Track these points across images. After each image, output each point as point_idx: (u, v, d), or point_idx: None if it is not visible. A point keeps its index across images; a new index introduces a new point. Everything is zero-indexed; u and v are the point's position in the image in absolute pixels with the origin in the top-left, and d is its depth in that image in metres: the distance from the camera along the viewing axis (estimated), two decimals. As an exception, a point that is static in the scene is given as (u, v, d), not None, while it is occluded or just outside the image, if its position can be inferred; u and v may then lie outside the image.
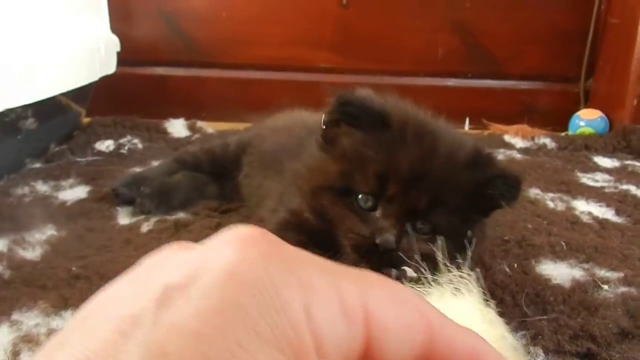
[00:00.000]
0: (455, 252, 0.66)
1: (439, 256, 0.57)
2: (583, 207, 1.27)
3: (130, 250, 0.98)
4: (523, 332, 0.74)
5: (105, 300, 0.25)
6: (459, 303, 0.52)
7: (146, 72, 2.13)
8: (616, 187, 1.43)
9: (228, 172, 1.23)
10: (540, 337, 0.73)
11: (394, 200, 0.72)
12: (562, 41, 2.12)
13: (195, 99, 2.14)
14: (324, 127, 0.79)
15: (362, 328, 0.24)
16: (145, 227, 1.08)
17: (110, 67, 1.79)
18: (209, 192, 1.23)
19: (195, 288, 0.23)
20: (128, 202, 1.17)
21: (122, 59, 1.90)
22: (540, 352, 0.70)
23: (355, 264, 0.72)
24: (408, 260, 0.67)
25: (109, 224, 1.09)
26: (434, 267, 0.59)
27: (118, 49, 1.87)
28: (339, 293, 0.24)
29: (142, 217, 1.12)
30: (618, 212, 1.25)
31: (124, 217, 1.13)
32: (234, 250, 0.24)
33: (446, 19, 2.10)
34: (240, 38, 2.11)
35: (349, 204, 0.75)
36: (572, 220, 1.19)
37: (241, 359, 0.20)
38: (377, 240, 0.70)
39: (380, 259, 0.71)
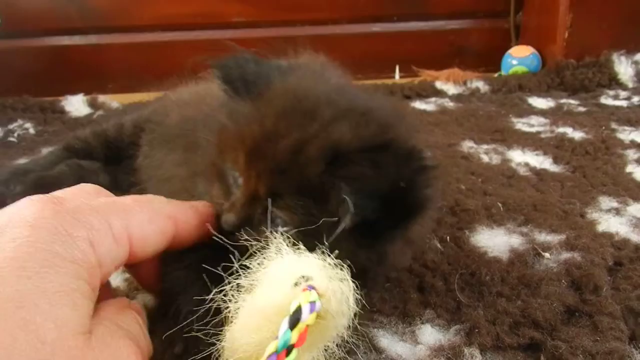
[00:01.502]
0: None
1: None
2: (519, 157, 1.18)
3: None
4: (457, 327, 0.63)
5: None
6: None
7: (36, 43, 1.89)
8: (552, 131, 1.34)
9: (124, 156, 1.06)
10: (476, 330, 0.62)
11: (243, 180, 0.59)
12: (488, -26, 2.01)
13: (97, 70, 1.92)
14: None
15: (126, 244, 0.49)
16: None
17: (-13, 42, 1.56)
18: (100, 182, 1.06)
19: (7, 232, 0.41)
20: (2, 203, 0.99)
21: (6, 31, 1.66)
22: (477, 352, 0.59)
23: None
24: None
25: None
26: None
27: (-3, 20, 1.63)
28: (110, 227, 0.47)
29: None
30: (556, 160, 1.16)
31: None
32: (32, 210, 0.44)
33: (365, -43, 1.94)
34: (140, -4, 1.89)
35: (226, 177, 0.63)
36: (508, 174, 1.10)
37: (49, 267, 0.40)
38: (222, 219, 0.59)
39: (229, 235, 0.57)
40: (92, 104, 1.69)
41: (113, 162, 1.09)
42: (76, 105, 1.67)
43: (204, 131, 0.80)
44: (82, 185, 0.55)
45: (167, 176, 0.90)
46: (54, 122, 1.57)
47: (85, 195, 0.52)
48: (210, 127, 0.68)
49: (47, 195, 0.48)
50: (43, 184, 0.99)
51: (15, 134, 1.48)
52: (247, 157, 0.58)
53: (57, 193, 0.51)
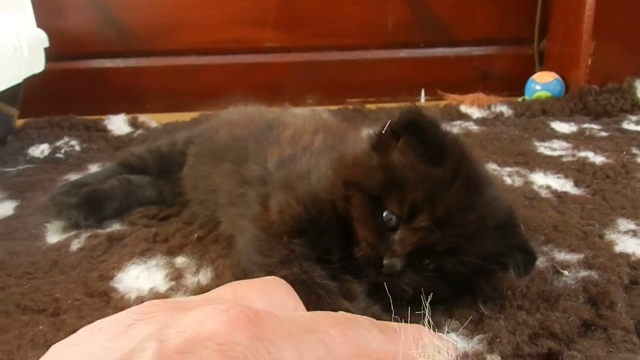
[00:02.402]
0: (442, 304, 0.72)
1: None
2: (541, 180, 1.23)
3: (56, 274, 0.89)
4: (480, 336, 0.69)
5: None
6: None
7: (80, 66, 2.00)
8: (574, 155, 1.38)
9: (175, 169, 1.16)
10: (498, 339, 0.68)
11: (416, 233, 0.70)
12: (512, 2, 2.06)
13: (136, 91, 2.02)
14: (384, 132, 0.77)
15: None
16: (75, 245, 0.99)
17: (37, 64, 1.67)
18: (146, 196, 1.15)
19: (196, 354, 0.30)
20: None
21: (54, 54, 1.77)
22: (498, 358, 0.65)
23: (353, 271, 0.72)
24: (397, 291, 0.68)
25: (34, 245, 1.00)
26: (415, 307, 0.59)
27: (46, 44, 1.74)
28: None
29: (73, 233, 1.03)
30: (577, 183, 1.20)
31: (53, 235, 1.04)
32: (225, 328, 0.32)
33: (393, -14, 2.02)
34: (178, 22, 2.00)
35: (374, 214, 0.73)
36: (530, 196, 1.15)
37: None
38: (385, 261, 0.70)
39: (376, 279, 0.71)
40: (133, 123, 1.78)
41: (166, 177, 1.18)
42: (118, 124, 1.76)
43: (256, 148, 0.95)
44: (274, 282, 0.46)
45: (214, 187, 0.99)
46: (97, 139, 1.67)
47: (282, 307, 0.42)
48: (361, 169, 0.76)
49: (244, 307, 0.35)
50: (95, 196, 1.08)
51: (62, 151, 1.57)
52: (437, 219, 0.69)
53: (258, 303, 0.40)
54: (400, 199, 0.71)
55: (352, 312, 0.58)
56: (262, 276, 0.65)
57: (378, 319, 0.56)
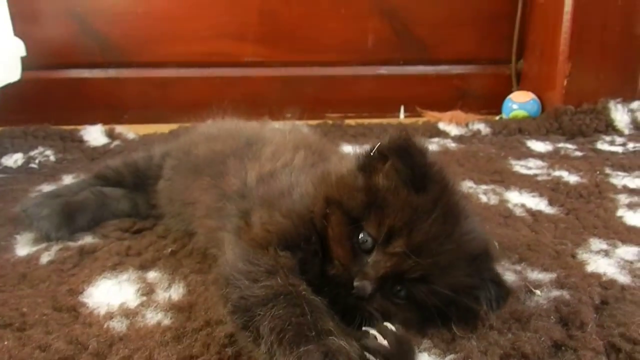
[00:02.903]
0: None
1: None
2: (516, 198, 1.24)
3: (24, 288, 0.87)
4: (452, 356, 0.69)
5: None
6: None
7: (58, 75, 1.98)
8: (549, 174, 1.40)
9: (151, 182, 1.14)
10: (469, 359, 0.68)
11: (390, 257, 0.70)
12: (491, 23, 2.10)
13: (114, 102, 2.00)
14: (372, 154, 0.77)
15: None
16: (45, 258, 0.97)
17: (13, 73, 1.64)
18: (120, 209, 1.13)
19: None
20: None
21: (31, 63, 1.74)
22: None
23: (322, 288, 0.69)
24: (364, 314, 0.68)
25: (3, 258, 0.97)
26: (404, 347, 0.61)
27: (23, 53, 1.71)
28: None
29: (44, 245, 1.01)
30: (551, 202, 1.22)
31: (23, 247, 1.02)
32: None
33: (374, 5, 2.04)
34: (159, 34, 1.99)
35: (351, 234, 0.72)
36: (505, 214, 1.16)
37: None
38: (355, 282, 0.69)
39: (345, 299, 0.70)
40: (110, 135, 1.76)
41: (141, 190, 1.17)
42: (94, 134, 1.74)
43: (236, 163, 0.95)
44: None
45: (192, 200, 0.98)
46: (73, 150, 1.65)
47: None
48: (343, 188, 0.75)
49: None
50: (67, 208, 1.07)
51: (37, 161, 1.55)
52: (412, 246, 0.69)
53: None
54: (378, 222, 0.71)
55: (334, 332, 0.58)
56: (247, 285, 0.66)
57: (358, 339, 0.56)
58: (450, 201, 0.73)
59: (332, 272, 0.71)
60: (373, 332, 0.62)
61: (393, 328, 0.63)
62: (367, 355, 0.59)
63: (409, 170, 0.73)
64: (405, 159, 0.73)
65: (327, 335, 0.58)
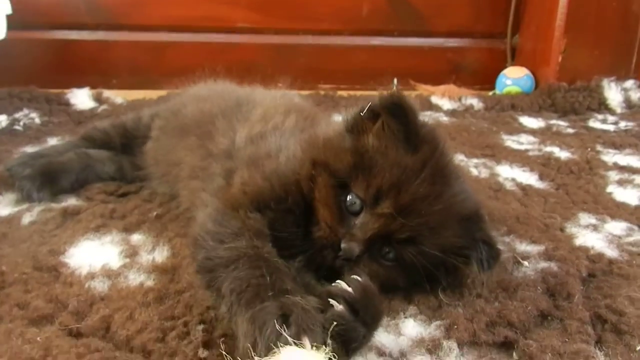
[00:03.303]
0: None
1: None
2: (507, 172, 1.23)
3: (4, 247, 0.85)
4: (437, 322, 0.68)
5: None
6: None
7: (45, 36, 1.93)
8: (540, 150, 1.39)
9: (139, 143, 1.12)
10: (455, 326, 0.67)
11: (378, 219, 0.69)
12: (487, -4, 2.07)
13: (102, 66, 1.96)
14: (362, 114, 0.75)
15: None
16: (27, 218, 0.95)
17: (-1, 31, 1.60)
18: (106, 171, 1.11)
19: None
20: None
21: (16, 22, 1.69)
22: (455, 345, 0.64)
23: (308, 250, 0.70)
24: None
25: (-17, 217, 0.95)
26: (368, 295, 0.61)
27: (8, 11, 1.66)
28: None
29: (25, 206, 0.99)
30: (541, 177, 1.21)
31: (4, 207, 1.00)
32: None
33: (370, -26, 2.00)
34: (149, -4, 1.94)
35: (338, 196, 0.71)
36: (495, 187, 1.15)
37: None
38: (343, 244, 0.68)
39: (333, 260, 0.69)
40: (97, 99, 1.73)
41: (129, 152, 1.15)
42: (81, 98, 1.71)
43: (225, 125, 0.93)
44: None
45: (177, 161, 0.97)
46: (59, 113, 1.61)
47: None
48: (330, 149, 0.74)
49: None
50: (50, 169, 1.05)
51: (21, 123, 1.51)
52: (400, 206, 0.68)
53: None
54: (366, 183, 0.70)
55: (293, 294, 0.57)
56: (213, 245, 0.66)
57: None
58: (441, 162, 0.72)
59: (318, 234, 0.70)
60: (339, 281, 0.61)
61: (359, 278, 0.62)
62: (331, 301, 0.59)
63: (401, 127, 0.71)
64: (397, 116, 0.71)
65: (285, 294, 0.58)
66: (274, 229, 0.70)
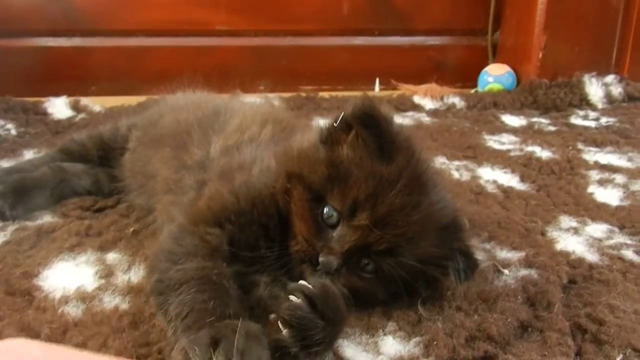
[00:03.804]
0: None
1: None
2: (488, 175, 1.23)
3: (-23, 271, 0.83)
4: (417, 339, 0.67)
5: None
6: None
7: (20, 44, 1.89)
8: (521, 150, 1.39)
9: (117, 155, 1.11)
10: (434, 342, 0.66)
11: (355, 231, 0.68)
12: (467, -8, 2.06)
13: (80, 73, 1.93)
14: (335, 125, 0.74)
15: None
16: (0, 238, 0.93)
17: (-30, 42, 1.57)
18: (82, 185, 1.09)
19: None
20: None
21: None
22: (434, 363, 0.63)
23: (288, 267, 0.70)
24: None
25: (-45, 238, 0.93)
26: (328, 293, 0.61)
27: (-19, 19, 1.64)
28: None
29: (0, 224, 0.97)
30: (522, 178, 1.21)
31: (-22, 227, 0.98)
32: None
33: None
34: (126, 0, 1.91)
35: (314, 209, 0.70)
36: (476, 191, 1.15)
37: None
38: (321, 258, 0.67)
39: (312, 274, 0.68)
40: (75, 107, 1.70)
41: (106, 164, 1.13)
42: (59, 107, 1.68)
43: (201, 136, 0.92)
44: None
45: (153, 173, 0.95)
46: (36, 123, 1.59)
47: None
48: (305, 162, 0.73)
49: None
50: (24, 185, 1.03)
51: (-3, 134, 1.49)
52: (377, 218, 0.67)
53: None
54: (342, 195, 0.69)
55: (234, 319, 0.57)
56: (165, 267, 0.65)
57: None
58: (417, 170, 0.71)
59: (295, 248, 0.70)
60: (301, 281, 0.62)
61: (320, 279, 0.63)
62: (290, 296, 0.59)
63: (374, 138, 0.70)
64: (370, 127, 0.70)
65: (224, 319, 0.57)
66: (239, 244, 0.69)
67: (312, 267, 0.68)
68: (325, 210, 0.70)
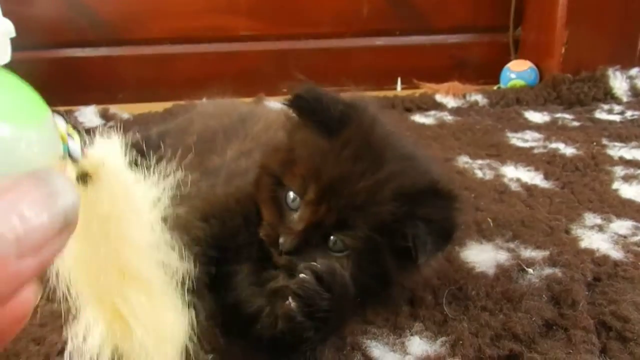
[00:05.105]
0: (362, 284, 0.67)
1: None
2: (512, 173, 1.23)
3: None
4: (443, 339, 0.69)
5: None
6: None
7: (49, 55, 1.95)
8: (545, 147, 1.39)
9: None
10: (460, 342, 0.68)
11: (307, 207, 0.69)
12: (487, -11, 2.06)
13: (107, 82, 1.98)
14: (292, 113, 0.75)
15: None
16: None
17: (3, 55, 1.63)
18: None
19: None
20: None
21: (21, 43, 1.72)
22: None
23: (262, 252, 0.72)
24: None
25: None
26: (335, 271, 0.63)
27: (12, 34, 1.69)
28: None
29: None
30: (546, 176, 1.21)
31: None
32: None
33: (368, -26, 2.00)
34: (150, 10, 1.95)
35: (277, 194, 0.72)
36: (500, 190, 1.15)
37: None
38: (280, 239, 0.69)
39: (278, 260, 0.70)
40: (104, 115, 1.74)
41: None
42: (89, 116, 1.73)
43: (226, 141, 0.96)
44: None
45: (184, 181, 0.98)
46: (67, 132, 1.63)
47: None
48: (271, 152, 0.76)
49: None
50: None
51: (31, 145, 1.54)
52: (321, 191, 0.67)
53: None
54: (293, 176, 0.70)
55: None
56: None
57: None
58: (367, 139, 0.69)
59: (262, 234, 0.71)
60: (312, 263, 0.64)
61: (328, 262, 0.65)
62: (301, 275, 0.62)
63: (312, 117, 0.71)
64: (305, 108, 0.71)
65: None
66: (225, 239, 0.73)
67: (277, 250, 0.70)
68: (289, 194, 0.71)
